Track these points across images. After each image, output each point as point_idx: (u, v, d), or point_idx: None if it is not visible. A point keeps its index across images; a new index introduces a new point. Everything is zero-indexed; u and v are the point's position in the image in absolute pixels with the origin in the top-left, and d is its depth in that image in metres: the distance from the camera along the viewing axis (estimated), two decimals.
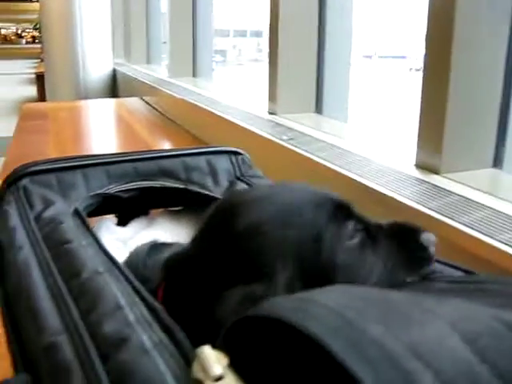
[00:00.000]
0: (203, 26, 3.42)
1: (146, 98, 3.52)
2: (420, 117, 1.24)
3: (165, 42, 4.07)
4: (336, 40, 1.96)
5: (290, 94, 1.97)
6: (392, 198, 1.09)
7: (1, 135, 3.92)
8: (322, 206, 0.47)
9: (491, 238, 0.89)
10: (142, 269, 0.56)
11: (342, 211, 0.48)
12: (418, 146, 1.26)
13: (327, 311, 0.28)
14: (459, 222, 0.95)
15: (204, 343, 0.32)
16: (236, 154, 0.78)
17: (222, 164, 0.76)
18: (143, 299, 0.40)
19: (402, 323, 0.27)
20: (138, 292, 0.41)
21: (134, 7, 4.84)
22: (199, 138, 2.39)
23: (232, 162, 0.77)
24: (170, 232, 0.73)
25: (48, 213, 0.62)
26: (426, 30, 1.19)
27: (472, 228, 0.93)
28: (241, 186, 0.73)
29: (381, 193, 1.12)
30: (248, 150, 1.81)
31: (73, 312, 0.40)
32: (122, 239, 0.73)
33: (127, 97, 3.90)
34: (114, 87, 4.82)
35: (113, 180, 0.71)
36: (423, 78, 1.22)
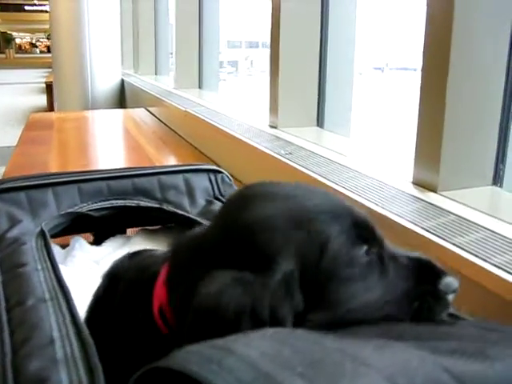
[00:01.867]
0: (210, 37, 3.41)
1: (151, 109, 3.51)
2: (417, 133, 1.21)
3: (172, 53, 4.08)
4: (338, 54, 1.94)
5: (291, 107, 1.95)
6: (384, 216, 1.06)
7: (8, 144, 3.93)
8: (339, 218, 0.47)
9: (484, 261, 0.86)
10: (133, 265, 0.57)
11: (358, 229, 0.47)
12: (416, 163, 1.23)
13: (243, 363, 0.25)
14: (452, 244, 0.92)
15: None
16: (215, 172, 0.76)
17: (200, 183, 0.73)
18: (79, 332, 0.38)
19: (329, 377, 0.25)
20: (75, 324, 0.39)
21: (143, 18, 4.86)
22: (199, 150, 2.38)
23: (211, 181, 0.74)
24: None
25: (13, 232, 0.60)
26: (423, 45, 1.16)
27: (465, 250, 0.90)
28: (218, 206, 0.71)
29: (373, 210, 1.09)
30: (248, 164, 1.79)
31: (6, 346, 0.38)
32: (95, 259, 0.70)
33: (134, 107, 3.90)
34: (121, 98, 4.83)
35: (85, 198, 0.69)
36: (420, 94, 1.19)
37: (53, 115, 3.82)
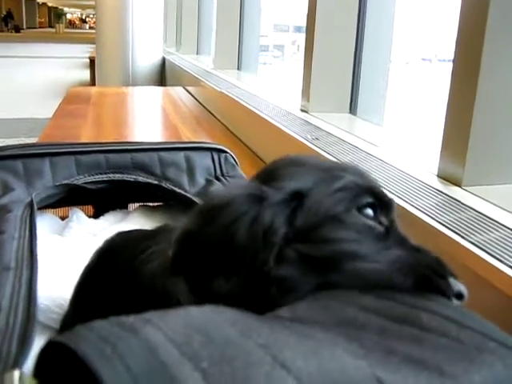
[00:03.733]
0: (251, 19, 3.38)
1: (189, 88, 3.51)
2: (445, 124, 1.17)
3: None
4: (375, 40, 1.89)
5: (323, 92, 1.91)
6: (402, 208, 1.03)
7: (49, 116, 3.98)
8: (360, 178, 0.48)
9: (500, 261, 0.82)
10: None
11: (375, 197, 0.48)
12: (441, 156, 1.19)
13: (141, 349, 0.23)
14: (469, 241, 0.88)
15: None
16: (219, 151, 0.74)
17: (202, 161, 0.71)
18: (28, 304, 0.37)
19: (234, 378, 0.22)
20: (29, 295, 0.38)
21: None
22: (231, 131, 2.36)
23: (213, 160, 0.72)
24: (143, 227, 0.69)
25: (2, 200, 0.59)
26: (456, 36, 1.11)
27: (481, 248, 0.86)
28: (218, 186, 0.69)
29: None
30: (275, 147, 1.77)
31: None
32: (91, 231, 0.69)
33: (173, 86, 3.90)
34: (162, 76, 4.84)
35: (83, 170, 0.68)
36: (450, 86, 1.14)
37: (92, 89, 3.86)
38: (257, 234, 0.42)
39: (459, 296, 0.44)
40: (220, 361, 0.23)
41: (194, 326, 0.26)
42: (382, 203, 0.48)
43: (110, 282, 0.52)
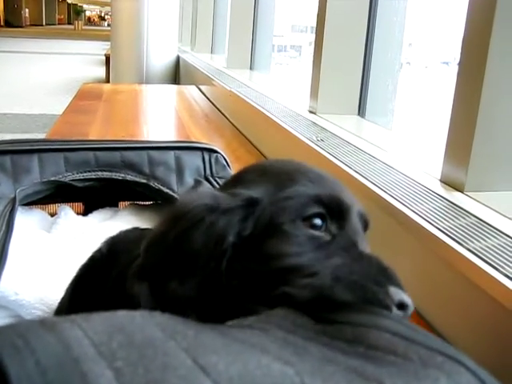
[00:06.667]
0: (264, 19, 3.37)
1: (202, 87, 3.51)
2: (449, 129, 1.15)
3: None
4: (385, 43, 1.87)
5: (332, 93, 1.90)
6: (402, 212, 1.01)
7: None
8: (315, 188, 0.48)
9: (496, 269, 0.80)
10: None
11: (330, 207, 0.48)
12: (445, 160, 1.17)
13: (55, 344, 0.23)
14: (466, 248, 0.87)
15: None
16: (211, 151, 0.73)
17: (192, 161, 0.71)
18: None
19: (147, 379, 0.22)
20: None
21: None
22: (239, 130, 2.36)
23: (204, 161, 0.71)
24: (131, 225, 0.68)
25: None
26: (461, 42, 1.10)
27: (478, 256, 0.84)
28: (206, 186, 0.68)
29: (392, 205, 1.05)
30: (282, 148, 1.76)
31: None
32: (79, 228, 0.69)
33: (187, 84, 3.90)
34: (176, 74, 4.85)
35: (71, 167, 0.68)
36: (455, 91, 1.13)
37: (104, 86, 3.87)
38: (210, 241, 0.43)
39: (401, 306, 0.42)
40: (136, 362, 0.24)
41: (117, 327, 0.26)
42: (333, 212, 0.47)
43: (105, 284, 0.54)
